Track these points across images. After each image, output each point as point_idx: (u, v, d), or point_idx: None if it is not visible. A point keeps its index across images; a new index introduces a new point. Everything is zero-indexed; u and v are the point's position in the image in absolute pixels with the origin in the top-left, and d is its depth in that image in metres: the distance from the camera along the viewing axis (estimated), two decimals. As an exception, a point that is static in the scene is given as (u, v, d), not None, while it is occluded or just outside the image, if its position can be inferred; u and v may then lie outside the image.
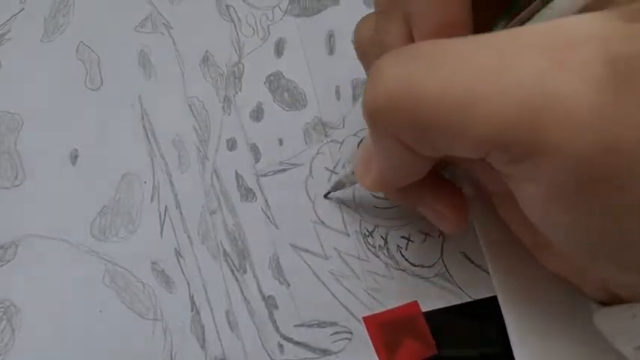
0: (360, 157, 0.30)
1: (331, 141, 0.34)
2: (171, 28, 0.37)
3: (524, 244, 0.29)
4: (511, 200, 0.25)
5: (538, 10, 0.24)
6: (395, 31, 0.27)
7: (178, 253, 0.34)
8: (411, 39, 0.26)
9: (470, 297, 0.33)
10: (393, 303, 0.33)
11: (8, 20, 0.37)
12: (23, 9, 0.37)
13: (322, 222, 0.34)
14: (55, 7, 0.37)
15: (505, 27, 0.25)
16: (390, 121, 0.23)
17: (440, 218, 0.30)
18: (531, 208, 0.23)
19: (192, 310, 0.34)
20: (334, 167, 0.34)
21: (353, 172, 0.32)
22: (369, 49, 0.29)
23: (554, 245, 0.25)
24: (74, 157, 0.35)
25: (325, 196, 0.35)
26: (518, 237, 0.29)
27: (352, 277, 0.33)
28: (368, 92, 0.23)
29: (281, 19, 0.36)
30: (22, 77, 0.37)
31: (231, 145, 0.35)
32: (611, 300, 0.26)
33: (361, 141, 0.34)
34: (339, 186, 0.33)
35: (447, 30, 0.24)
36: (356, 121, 0.35)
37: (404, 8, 0.26)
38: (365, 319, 0.33)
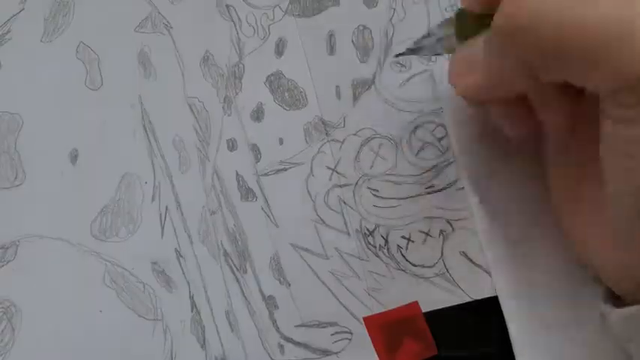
0: (460, 56, 0.30)
1: (332, 140, 0.34)
2: (171, 27, 0.37)
3: (570, 205, 0.29)
4: (581, 145, 0.27)
5: None
6: None
7: (179, 253, 0.34)
8: None
9: (470, 297, 0.33)
10: (393, 303, 0.33)
11: (8, 20, 0.37)
12: (23, 9, 0.37)
13: (323, 221, 0.34)
14: (54, 8, 0.37)
15: None
16: (528, 41, 0.24)
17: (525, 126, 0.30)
18: (619, 151, 0.23)
19: (192, 311, 0.34)
20: (335, 166, 0.34)
21: (438, 41, 0.32)
22: None
23: (608, 210, 0.25)
24: (74, 157, 0.36)
25: (397, 55, 0.34)
26: (568, 193, 0.29)
27: (353, 277, 0.33)
28: (508, 6, 0.24)
29: (281, 19, 0.36)
30: (22, 77, 0.37)
31: (232, 145, 0.35)
32: (634, 293, 0.26)
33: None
34: (417, 49, 0.32)
35: None
36: (357, 120, 0.35)
37: None
38: (365, 319, 0.33)
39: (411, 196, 0.33)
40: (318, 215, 0.34)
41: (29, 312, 0.34)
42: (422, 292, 0.33)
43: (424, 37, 0.32)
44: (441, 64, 0.34)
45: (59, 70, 0.37)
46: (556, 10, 0.22)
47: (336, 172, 0.34)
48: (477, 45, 0.28)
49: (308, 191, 0.34)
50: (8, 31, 0.37)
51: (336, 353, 0.33)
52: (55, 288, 0.34)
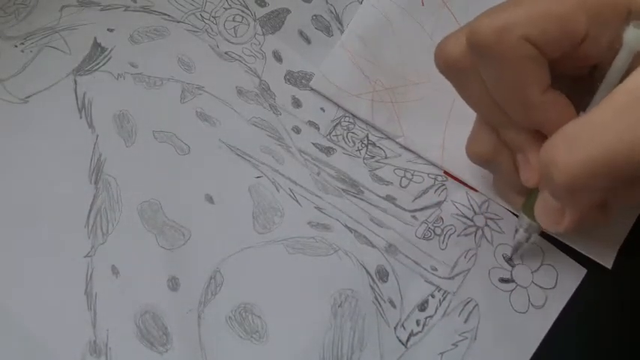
0: (542, 213, 0.37)
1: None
2: (203, 87, 0.49)
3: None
4: None
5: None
6: (526, 139, 0.36)
7: (319, 210, 0.47)
8: (540, 136, 0.35)
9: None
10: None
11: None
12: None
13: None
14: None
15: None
16: (598, 182, 0.30)
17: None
18: None
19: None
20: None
21: (526, 230, 0.41)
22: (498, 159, 0.39)
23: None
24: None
25: (510, 259, 0.44)
26: None
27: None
28: (562, 170, 0.30)
29: (264, 40, 0.51)
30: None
31: (297, 130, 0.49)
32: None
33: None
34: (518, 247, 0.42)
35: None
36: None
37: (522, 123, 0.35)
38: (444, 172, 0.49)
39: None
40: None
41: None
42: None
43: (517, 248, 0.43)
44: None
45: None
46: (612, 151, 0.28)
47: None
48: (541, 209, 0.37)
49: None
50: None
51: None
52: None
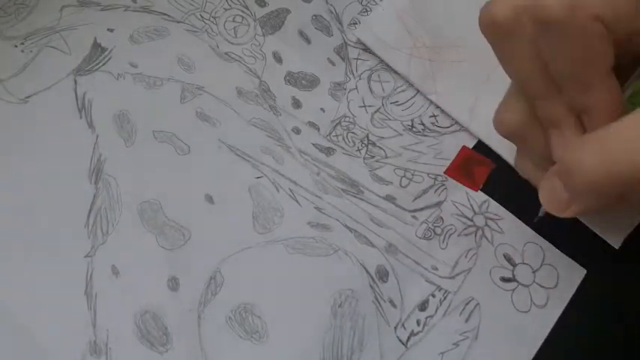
0: (548, 198, 0.36)
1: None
2: (203, 87, 0.49)
3: None
4: None
5: None
6: (565, 115, 0.34)
7: (319, 210, 0.47)
8: (579, 122, 0.34)
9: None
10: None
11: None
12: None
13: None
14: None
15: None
16: (617, 190, 0.31)
17: None
18: None
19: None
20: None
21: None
22: (527, 132, 0.37)
23: None
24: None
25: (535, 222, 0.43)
26: None
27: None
28: (586, 173, 0.30)
29: (264, 41, 0.51)
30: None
31: (296, 130, 0.49)
32: None
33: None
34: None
35: (615, 115, 0.31)
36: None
37: (572, 100, 0.33)
38: (445, 172, 0.49)
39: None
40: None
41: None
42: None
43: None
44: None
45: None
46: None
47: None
48: None
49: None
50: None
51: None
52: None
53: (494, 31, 0.34)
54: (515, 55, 0.34)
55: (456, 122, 0.47)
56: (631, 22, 0.30)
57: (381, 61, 0.49)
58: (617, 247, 0.43)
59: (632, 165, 0.28)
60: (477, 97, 0.47)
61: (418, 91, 0.48)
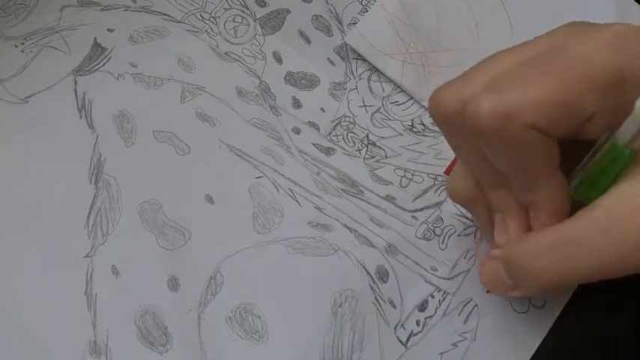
0: (490, 279, 0.38)
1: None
2: (203, 87, 0.49)
3: None
4: None
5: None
6: (510, 206, 0.35)
7: (319, 210, 0.47)
8: (524, 212, 0.35)
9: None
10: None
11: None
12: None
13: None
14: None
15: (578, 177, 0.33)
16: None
17: None
18: None
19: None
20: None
21: None
22: (474, 205, 0.38)
23: None
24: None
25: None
26: None
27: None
28: (538, 278, 0.32)
29: (264, 41, 0.51)
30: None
31: (297, 130, 0.49)
32: None
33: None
34: None
35: (561, 211, 0.33)
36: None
37: (518, 196, 0.34)
38: (445, 172, 0.49)
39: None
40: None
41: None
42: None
43: None
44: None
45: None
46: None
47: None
48: None
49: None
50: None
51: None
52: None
53: (443, 122, 0.34)
54: (462, 147, 0.35)
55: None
56: (568, 123, 0.30)
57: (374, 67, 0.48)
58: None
59: (582, 267, 0.30)
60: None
61: (412, 97, 0.48)
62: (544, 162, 0.31)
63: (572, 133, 0.31)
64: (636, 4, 0.49)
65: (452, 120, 0.33)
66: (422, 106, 0.48)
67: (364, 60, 0.49)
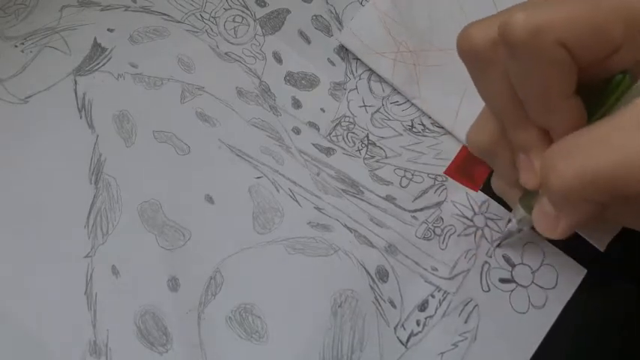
0: (538, 216, 0.36)
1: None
2: (203, 87, 0.49)
3: None
4: None
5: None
6: (534, 143, 0.35)
7: (319, 210, 0.47)
8: (546, 140, 0.35)
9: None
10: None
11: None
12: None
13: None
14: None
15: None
16: (593, 195, 0.29)
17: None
18: None
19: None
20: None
21: (519, 222, 0.40)
22: (497, 152, 0.38)
23: None
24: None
25: (498, 245, 0.44)
26: None
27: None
28: (560, 177, 0.30)
29: (264, 41, 0.51)
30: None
31: (297, 130, 0.49)
32: None
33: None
34: (508, 235, 0.42)
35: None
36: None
37: (537, 121, 0.34)
38: (445, 172, 0.49)
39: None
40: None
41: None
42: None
43: (506, 237, 0.43)
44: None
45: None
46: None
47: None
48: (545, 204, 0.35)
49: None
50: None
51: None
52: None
53: (472, 57, 0.34)
54: (489, 82, 0.35)
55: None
56: (595, 49, 0.31)
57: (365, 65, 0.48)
58: (602, 250, 0.43)
59: (601, 165, 0.28)
60: (461, 101, 0.47)
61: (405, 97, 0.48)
62: (568, 84, 0.32)
63: (596, 62, 0.31)
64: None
65: (483, 56, 0.33)
66: (413, 104, 0.48)
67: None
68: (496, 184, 0.43)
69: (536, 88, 0.33)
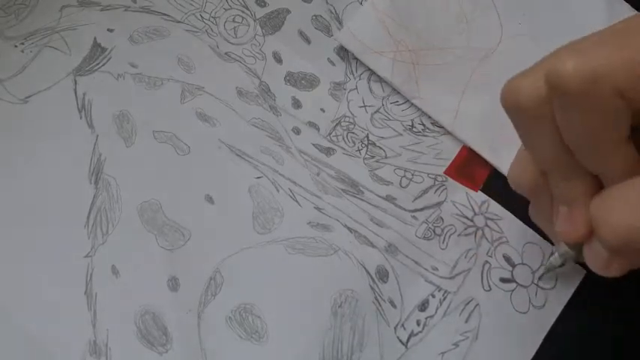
0: (590, 258, 0.35)
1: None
2: (203, 88, 0.49)
3: None
4: None
5: None
6: (577, 198, 0.34)
7: (319, 210, 0.47)
8: (589, 194, 0.33)
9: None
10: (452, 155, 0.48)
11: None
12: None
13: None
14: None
15: None
16: None
17: None
18: None
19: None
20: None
21: (561, 256, 0.39)
22: (538, 194, 0.37)
23: None
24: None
25: (540, 278, 0.43)
26: None
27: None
28: (613, 232, 0.29)
29: (264, 41, 0.51)
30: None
31: (296, 131, 0.49)
32: None
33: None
34: (550, 269, 0.41)
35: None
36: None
37: (595, 171, 0.32)
38: (445, 172, 0.49)
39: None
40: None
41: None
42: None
43: (549, 270, 0.42)
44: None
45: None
46: None
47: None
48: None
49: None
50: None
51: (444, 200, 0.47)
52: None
53: (520, 114, 0.33)
54: (537, 136, 0.33)
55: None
56: None
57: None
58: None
59: None
60: (460, 101, 0.47)
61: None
62: (622, 130, 0.30)
63: None
64: (626, 3, 0.48)
65: (532, 112, 0.32)
66: (412, 104, 0.48)
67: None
68: (536, 217, 0.41)
69: (590, 138, 0.31)
